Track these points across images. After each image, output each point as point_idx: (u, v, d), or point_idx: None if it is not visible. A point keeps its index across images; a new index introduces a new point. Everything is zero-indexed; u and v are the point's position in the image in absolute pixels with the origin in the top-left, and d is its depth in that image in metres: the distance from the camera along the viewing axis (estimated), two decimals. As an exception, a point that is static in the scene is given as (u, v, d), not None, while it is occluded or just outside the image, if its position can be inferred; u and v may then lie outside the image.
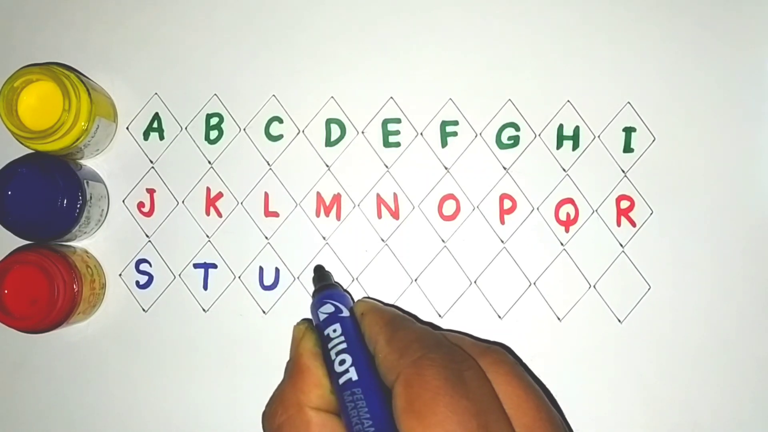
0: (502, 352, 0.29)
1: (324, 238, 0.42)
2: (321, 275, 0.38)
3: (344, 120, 0.43)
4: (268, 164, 0.43)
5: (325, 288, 0.35)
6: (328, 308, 0.33)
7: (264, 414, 0.29)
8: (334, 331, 0.31)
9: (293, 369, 0.30)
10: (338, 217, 0.42)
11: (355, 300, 0.35)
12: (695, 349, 0.41)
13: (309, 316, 0.42)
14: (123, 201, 0.43)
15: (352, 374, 0.28)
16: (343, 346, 0.30)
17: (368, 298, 0.41)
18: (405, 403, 0.25)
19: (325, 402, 0.29)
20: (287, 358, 0.41)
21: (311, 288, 0.42)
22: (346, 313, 0.32)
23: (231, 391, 0.42)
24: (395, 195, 0.42)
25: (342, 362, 0.29)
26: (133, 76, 0.44)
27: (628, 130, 0.42)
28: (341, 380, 0.28)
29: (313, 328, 0.32)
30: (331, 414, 0.28)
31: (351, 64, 0.43)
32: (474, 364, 0.28)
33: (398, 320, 0.31)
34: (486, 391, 0.26)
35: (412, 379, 0.26)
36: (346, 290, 0.41)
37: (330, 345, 0.30)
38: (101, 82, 0.43)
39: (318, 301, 0.34)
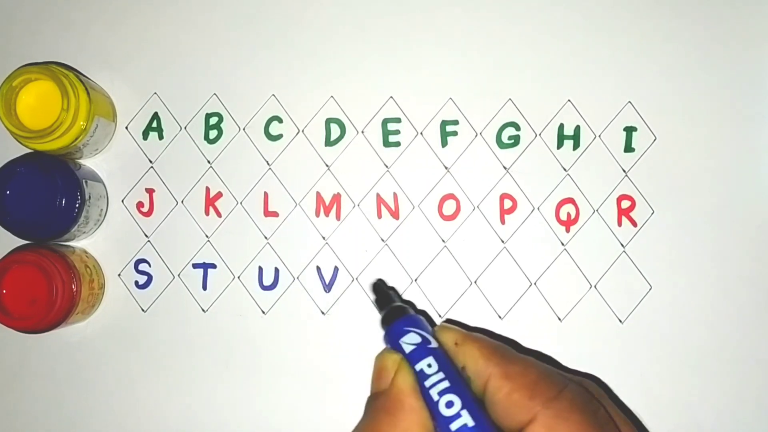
0: (597, 387, 0.28)
1: (324, 238, 0.42)
2: (386, 295, 0.33)
3: (344, 120, 0.43)
4: (268, 164, 0.43)
5: (398, 312, 0.30)
6: (414, 338, 0.28)
7: None
8: (429, 366, 0.27)
9: (391, 406, 0.26)
10: (338, 217, 0.42)
11: (431, 323, 0.31)
12: (696, 349, 0.40)
13: (307, 316, 0.42)
14: (122, 201, 0.43)
15: (467, 419, 0.25)
16: (446, 384, 0.26)
17: (449, 322, 0.39)
18: None
19: None
20: (287, 359, 0.42)
21: (310, 288, 0.42)
22: (434, 343, 0.28)
23: (231, 391, 0.42)
24: (395, 195, 0.42)
25: (450, 404, 0.26)
26: (133, 76, 0.44)
27: (629, 130, 0.42)
28: (453, 426, 0.25)
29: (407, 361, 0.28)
30: None
31: (351, 64, 0.43)
32: (601, 404, 0.27)
33: (504, 350, 0.28)
34: (614, 430, 0.26)
35: (553, 424, 0.24)
36: (420, 310, 0.39)
37: (427, 383, 0.27)
38: (101, 81, 0.43)
39: (398, 329, 0.29)
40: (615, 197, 0.41)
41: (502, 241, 0.42)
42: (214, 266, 0.43)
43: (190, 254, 0.43)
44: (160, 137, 0.43)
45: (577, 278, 0.41)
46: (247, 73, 0.43)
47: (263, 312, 0.42)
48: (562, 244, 0.41)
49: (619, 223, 0.41)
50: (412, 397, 0.26)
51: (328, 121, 0.43)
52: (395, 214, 0.42)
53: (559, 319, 0.41)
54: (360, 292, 0.42)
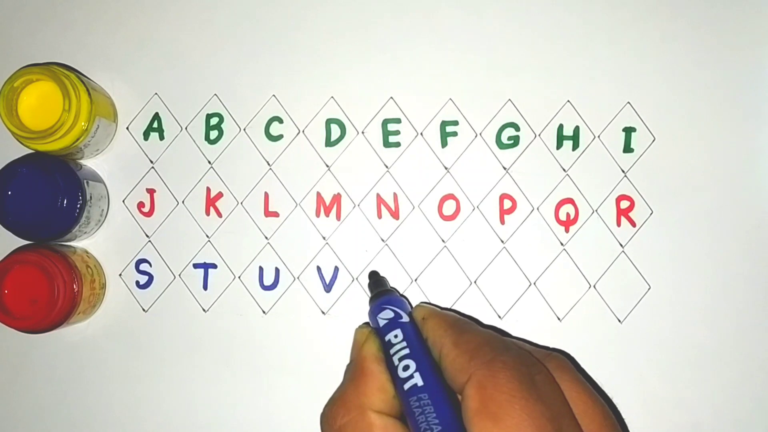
0: (564, 358, 0.29)
1: (324, 238, 0.42)
2: (377, 281, 0.38)
3: (344, 120, 0.43)
4: (268, 164, 0.43)
5: (382, 294, 0.35)
6: (388, 314, 0.32)
7: (323, 415, 0.29)
8: (396, 336, 0.31)
9: (356, 372, 0.30)
10: (338, 217, 0.42)
11: (413, 305, 0.35)
12: (695, 349, 0.41)
13: (307, 316, 0.42)
14: (123, 201, 0.43)
15: (417, 380, 0.28)
16: (406, 351, 0.30)
17: (426, 303, 0.41)
18: (478, 404, 0.25)
19: (387, 406, 0.28)
20: (288, 359, 0.42)
21: (311, 288, 0.42)
22: (405, 318, 0.32)
23: (231, 391, 0.42)
24: (395, 195, 0.42)
25: (406, 368, 0.29)
26: (133, 76, 0.44)
27: (628, 130, 0.42)
28: (406, 386, 0.28)
29: (376, 333, 0.32)
30: (393, 418, 0.28)
31: (351, 64, 0.43)
32: (544, 368, 0.28)
33: (462, 323, 0.30)
34: (558, 396, 0.26)
35: (485, 381, 0.26)
36: (403, 295, 0.41)
37: (392, 351, 0.30)
38: (101, 82, 0.43)
39: (377, 306, 0.34)
40: (614, 197, 0.42)
41: (502, 241, 0.42)
42: (214, 266, 0.43)
43: (190, 254, 0.43)
44: (161, 138, 0.43)
45: (576, 278, 0.41)
46: (248, 73, 0.43)
47: (264, 312, 0.42)
48: (562, 244, 0.42)
49: (618, 224, 0.41)
50: (373, 363, 0.30)
51: (329, 122, 0.43)
52: (395, 214, 0.42)
53: (559, 318, 0.41)
54: (360, 292, 0.42)
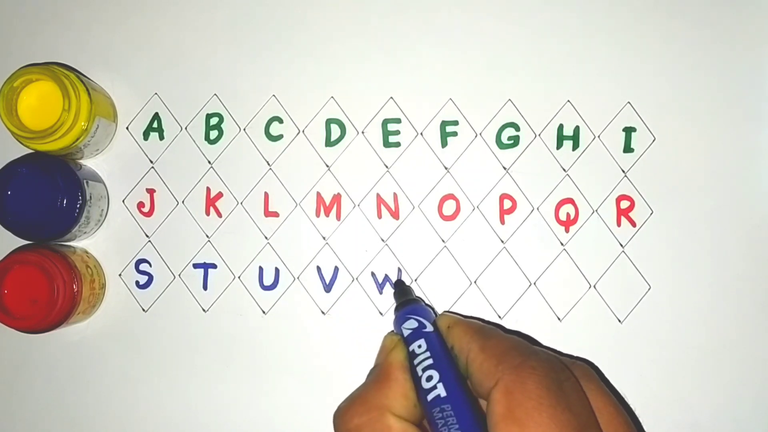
0: (588, 367, 0.29)
1: (324, 238, 0.42)
2: (402, 290, 0.38)
3: (344, 120, 0.43)
4: (268, 164, 0.43)
5: (407, 303, 0.35)
6: (412, 324, 0.32)
7: (338, 411, 0.29)
8: (419, 347, 0.30)
9: (380, 375, 0.29)
10: (338, 217, 0.42)
11: (438, 314, 0.35)
12: (695, 349, 0.41)
13: (307, 316, 0.42)
14: (123, 201, 0.43)
15: (441, 390, 0.28)
16: (429, 362, 0.29)
17: (450, 312, 0.41)
18: (505, 410, 0.25)
19: (408, 413, 0.28)
20: (287, 359, 0.42)
21: (310, 288, 0.42)
22: (429, 328, 0.32)
23: (231, 391, 0.42)
24: (395, 195, 0.42)
25: (429, 378, 0.28)
26: (133, 76, 0.44)
27: (628, 130, 0.42)
28: (429, 396, 0.28)
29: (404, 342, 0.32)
30: (412, 425, 0.28)
31: (351, 64, 0.43)
32: (572, 376, 0.27)
33: (488, 329, 0.30)
34: (585, 405, 0.26)
35: (512, 386, 0.25)
36: (429, 305, 0.41)
37: (416, 361, 0.30)
38: (101, 82, 0.43)
39: (401, 316, 0.33)
40: (614, 197, 0.41)
41: (502, 241, 0.42)
42: (214, 266, 0.43)
43: (190, 254, 0.43)
44: (161, 137, 0.43)
45: (576, 278, 0.41)
46: (248, 73, 0.43)
47: (263, 312, 0.42)
48: (562, 244, 0.42)
49: (619, 224, 0.41)
50: (399, 371, 0.29)
51: (329, 122, 0.43)
52: (395, 214, 0.42)
53: (559, 318, 0.41)
54: (360, 292, 0.42)
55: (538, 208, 0.42)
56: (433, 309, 0.39)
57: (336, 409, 0.29)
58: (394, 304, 0.37)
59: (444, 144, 0.42)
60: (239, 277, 0.43)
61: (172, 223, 0.43)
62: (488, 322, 0.41)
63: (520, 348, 0.28)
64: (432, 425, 0.27)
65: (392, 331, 0.34)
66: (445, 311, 0.41)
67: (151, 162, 0.43)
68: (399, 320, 0.33)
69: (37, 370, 0.43)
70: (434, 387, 0.28)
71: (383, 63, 0.43)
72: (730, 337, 0.41)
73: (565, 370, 0.27)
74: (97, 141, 0.41)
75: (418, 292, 0.42)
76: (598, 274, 0.41)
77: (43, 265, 0.38)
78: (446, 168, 0.42)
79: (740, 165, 0.41)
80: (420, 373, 0.29)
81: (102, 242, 0.43)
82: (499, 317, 0.41)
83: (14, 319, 0.39)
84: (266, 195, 0.43)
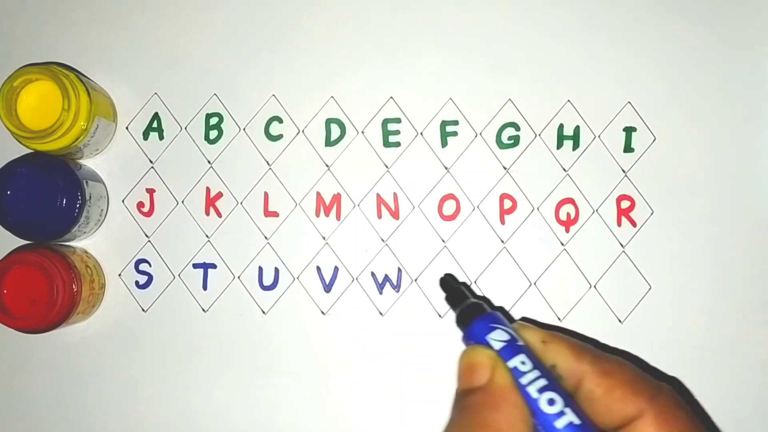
0: (674, 390, 0.28)
1: (324, 238, 0.42)
2: (458, 293, 0.32)
3: (344, 120, 0.43)
4: (268, 164, 0.43)
5: (479, 309, 0.29)
6: (502, 335, 0.27)
7: None
8: (523, 363, 0.26)
9: (493, 402, 0.25)
10: (338, 217, 0.42)
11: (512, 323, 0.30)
12: (695, 349, 0.41)
13: (307, 316, 0.42)
14: (122, 201, 0.43)
15: (572, 417, 0.25)
16: (544, 382, 0.26)
17: (525, 320, 0.38)
18: None
19: None
20: (287, 359, 0.42)
21: (310, 288, 0.42)
22: (520, 341, 0.27)
23: (231, 391, 0.42)
24: (395, 195, 0.42)
25: (551, 402, 0.25)
26: (133, 76, 0.44)
27: (629, 130, 0.42)
28: (558, 423, 0.25)
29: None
30: None
31: (351, 64, 0.43)
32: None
33: (592, 349, 0.28)
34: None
35: (662, 420, 0.25)
36: (494, 308, 0.39)
37: (523, 380, 0.26)
38: (101, 82, 0.43)
39: (484, 326, 0.28)
40: (614, 197, 0.41)
41: (502, 241, 0.42)
42: (214, 266, 0.43)
43: (190, 254, 0.43)
44: (161, 137, 0.43)
45: (576, 278, 0.41)
46: (248, 73, 0.43)
47: (263, 312, 0.42)
48: (562, 244, 0.42)
49: (619, 223, 0.41)
50: (513, 393, 0.26)
51: (328, 122, 0.43)
52: (395, 214, 0.42)
53: (559, 318, 0.41)
54: (360, 292, 0.42)
55: (538, 208, 0.42)
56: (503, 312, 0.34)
57: None
58: (456, 310, 0.30)
59: (444, 144, 0.42)
60: (239, 277, 0.43)
61: (171, 223, 0.43)
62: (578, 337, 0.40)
63: (645, 375, 0.27)
64: None
65: (472, 343, 0.28)
66: (519, 320, 0.35)
67: (151, 162, 0.43)
68: (481, 331, 0.28)
69: (37, 370, 0.43)
70: (562, 413, 0.25)
71: (383, 63, 0.43)
72: (730, 337, 0.41)
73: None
74: (96, 141, 0.41)
75: (417, 292, 0.42)
76: (598, 274, 0.41)
77: (43, 265, 0.38)
78: (446, 168, 0.42)
79: (740, 165, 0.41)
80: (536, 395, 0.25)
81: (102, 242, 0.43)
82: (499, 317, 0.41)
83: (14, 319, 0.39)
84: (266, 195, 0.43)
